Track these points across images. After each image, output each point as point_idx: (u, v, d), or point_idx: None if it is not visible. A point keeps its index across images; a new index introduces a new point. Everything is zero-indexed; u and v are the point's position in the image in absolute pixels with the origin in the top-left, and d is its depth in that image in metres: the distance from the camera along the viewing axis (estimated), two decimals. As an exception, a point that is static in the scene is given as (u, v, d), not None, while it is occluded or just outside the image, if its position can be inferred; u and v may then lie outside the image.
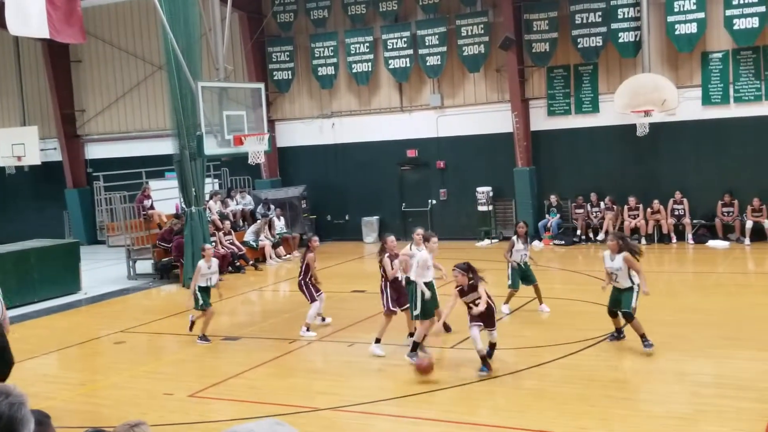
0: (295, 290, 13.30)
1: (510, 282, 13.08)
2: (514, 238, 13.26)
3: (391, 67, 22.90)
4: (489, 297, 9.88)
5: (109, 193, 21.03)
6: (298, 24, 24.10)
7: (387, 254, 11.23)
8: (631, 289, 10.52)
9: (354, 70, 23.39)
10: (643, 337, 10.46)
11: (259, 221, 21.48)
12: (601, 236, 20.73)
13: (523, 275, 13.10)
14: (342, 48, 23.49)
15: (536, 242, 21.17)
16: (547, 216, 21.63)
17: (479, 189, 22.12)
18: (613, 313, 10.96)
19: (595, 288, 15.19)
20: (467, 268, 9.88)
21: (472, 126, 22.42)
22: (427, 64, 22.39)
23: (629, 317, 10.49)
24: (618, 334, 11.12)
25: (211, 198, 21.19)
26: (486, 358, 9.89)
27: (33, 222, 27.03)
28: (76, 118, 27.64)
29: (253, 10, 24.03)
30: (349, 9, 23.21)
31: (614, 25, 20.44)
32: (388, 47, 22.81)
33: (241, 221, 22.18)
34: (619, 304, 10.65)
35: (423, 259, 10.75)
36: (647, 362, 10.28)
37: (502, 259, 13.52)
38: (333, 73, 23.72)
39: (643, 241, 20.22)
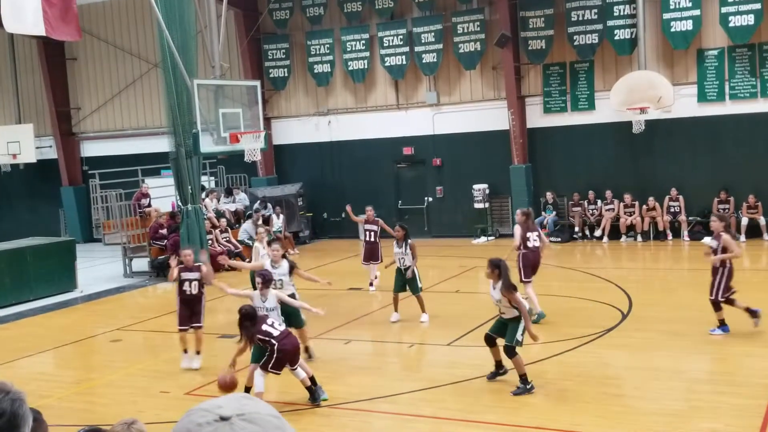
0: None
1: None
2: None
3: (387, 64, 22.89)
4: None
5: (105, 191, 21.02)
6: (294, 21, 24.08)
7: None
8: (518, 319, 9.09)
9: (350, 68, 23.38)
10: (522, 377, 9.07)
11: (252, 218, 21.40)
12: (598, 233, 20.78)
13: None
14: (338, 45, 23.48)
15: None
16: (543, 213, 21.64)
17: (475, 186, 22.13)
18: (491, 341, 9.44)
19: (590, 285, 15.26)
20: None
21: (469, 123, 22.42)
22: (423, 61, 22.39)
23: (511, 352, 9.10)
24: (497, 371, 9.59)
25: (207, 196, 21.16)
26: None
27: (28, 220, 26.98)
28: (71, 116, 27.59)
29: (249, 8, 23.99)
30: (345, 6, 23.19)
31: (610, 23, 20.45)
32: (384, 44, 22.81)
33: (232, 220, 22.04)
34: (503, 334, 9.19)
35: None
36: (642, 359, 10.30)
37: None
38: (329, 70, 23.71)
39: (639, 238, 20.26)
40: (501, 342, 9.24)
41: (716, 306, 11.00)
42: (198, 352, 11.08)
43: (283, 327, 8.99)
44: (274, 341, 8.72)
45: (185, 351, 11.10)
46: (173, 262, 11.65)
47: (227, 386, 8.82)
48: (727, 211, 19.80)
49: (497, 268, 9.09)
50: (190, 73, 16.82)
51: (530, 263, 12.18)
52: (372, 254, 15.62)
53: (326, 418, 8.79)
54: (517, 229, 12.36)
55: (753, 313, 10.94)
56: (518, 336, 9.02)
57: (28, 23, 13.71)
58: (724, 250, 10.93)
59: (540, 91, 21.68)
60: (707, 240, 11.21)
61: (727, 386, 8.97)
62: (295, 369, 8.97)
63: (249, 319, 8.73)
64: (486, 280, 9.43)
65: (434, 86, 22.81)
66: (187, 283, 11.00)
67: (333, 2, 23.34)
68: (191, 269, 11.05)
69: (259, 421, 1.57)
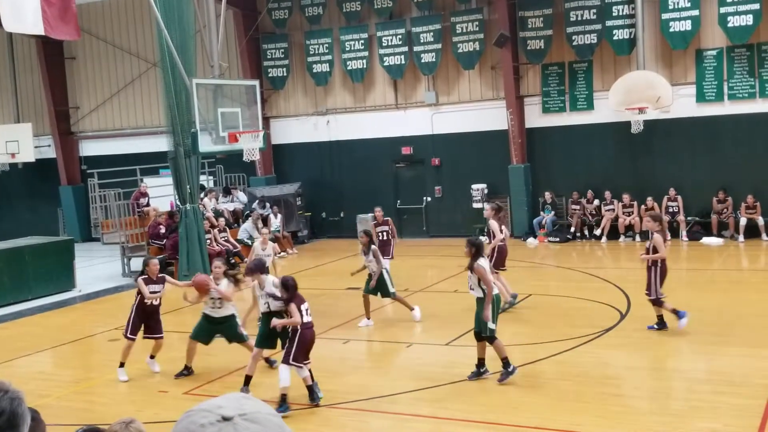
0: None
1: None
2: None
3: (385, 64, 22.89)
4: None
5: (104, 190, 21.02)
6: (293, 21, 24.07)
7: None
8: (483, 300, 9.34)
9: (349, 67, 23.37)
10: (504, 360, 9.38)
11: (251, 217, 21.41)
12: (597, 232, 20.77)
13: None
14: (337, 45, 23.48)
15: (531, 239, 21.23)
16: (541, 213, 21.66)
17: (474, 186, 22.14)
18: (479, 336, 9.57)
19: (589, 285, 15.26)
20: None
21: (467, 123, 22.43)
22: (422, 61, 22.39)
23: (490, 339, 9.39)
24: (479, 369, 9.65)
25: (206, 195, 21.15)
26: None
27: (27, 219, 26.96)
28: (70, 115, 27.57)
29: (248, 7, 23.99)
30: (344, 6, 23.18)
31: (609, 23, 20.45)
32: (383, 44, 22.80)
33: (231, 219, 22.03)
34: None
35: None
36: (641, 359, 10.31)
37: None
38: (328, 70, 23.70)
39: (638, 238, 20.26)
40: None
41: (656, 303, 11.22)
42: (153, 356, 10.88)
43: (310, 318, 9.03)
44: (300, 325, 8.84)
45: (123, 364, 10.58)
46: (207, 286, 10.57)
47: (201, 284, 9.91)
48: (726, 211, 19.84)
49: (474, 246, 9.48)
50: (188, 72, 16.81)
51: (505, 254, 13.15)
52: (384, 252, 15.71)
53: (325, 417, 8.79)
54: (495, 224, 13.10)
55: (678, 315, 11.17)
56: (491, 325, 9.29)
57: (27, 22, 13.70)
58: (655, 249, 11.06)
59: (539, 91, 21.69)
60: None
61: (726, 386, 8.98)
62: (302, 367, 8.98)
63: (295, 288, 8.97)
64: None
65: (433, 86, 22.81)
66: (156, 296, 10.72)
67: (332, 2, 23.34)
68: (156, 281, 10.75)
69: (261, 420, 1.57)
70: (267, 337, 9.60)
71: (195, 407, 1.61)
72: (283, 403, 8.79)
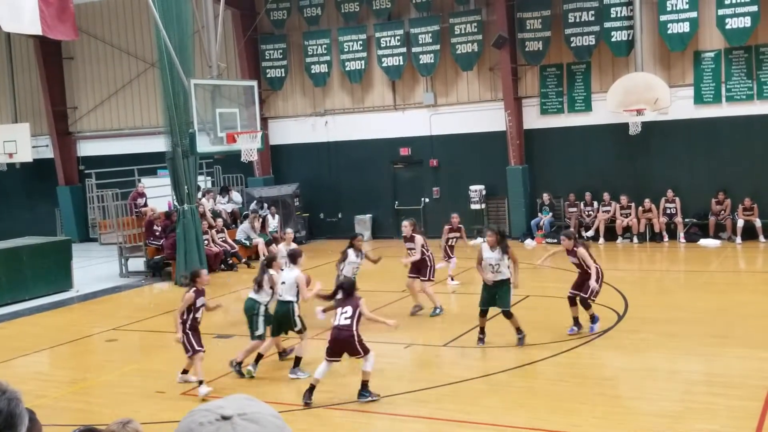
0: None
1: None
2: (350, 251, 12.64)
3: (384, 65, 22.90)
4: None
5: (101, 191, 21.01)
6: (291, 21, 24.07)
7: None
8: (505, 281, 10.93)
9: (347, 68, 23.38)
10: (518, 329, 10.99)
11: (249, 218, 21.39)
12: (591, 233, 20.69)
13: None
14: (335, 46, 23.48)
15: (528, 240, 21.23)
16: (539, 214, 21.67)
17: (472, 187, 22.15)
18: (484, 313, 11.22)
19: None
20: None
21: (465, 124, 22.44)
22: (421, 62, 22.39)
23: (509, 314, 10.97)
24: (482, 336, 11.25)
25: (203, 195, 21.14)
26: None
27: (24, 219, 26.91)
28: (68, 116, 27.54)
29: (246, 8, 23.99)
30: (343, 7, 23.19)
31: (607, 24, 20.48)
32: (382, 45, 22.81)
33: (229, 220, 22.02)
34: (494, 303, 11.03)
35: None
36: (639, 360, 10.31)
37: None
38: (326, 71, 23.70)
39: (635, 239, 20.29)
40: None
41: (585, 304, 11.40)
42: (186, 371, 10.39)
43: (344, 322, 9.14)
44: (334, 324, 9.25)
45: (186, 371, 10.24)
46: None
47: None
48: (723, 213, 19.85)
49: (500, 234, 10.98)
50: (187, 72, 16.81)
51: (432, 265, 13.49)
52: (447, 254, 15.92)
53: (323, 418, 8.79)
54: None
55: (592, 319, 11.48)
56: (510, 298, 10.84)
57: (25, 22, 13.68)
58: (584, 262, 11.26)
59: (537, 92, 21.70)
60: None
61: (723, 388, 8.99)
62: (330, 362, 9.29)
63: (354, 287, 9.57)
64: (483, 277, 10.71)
65: (431, 87, 22.82)
66: (201, 309, 9.96)
67: (330, 3, 23.34)
68: (203, 293, 10.01)
69: (261, 420, 1.58)
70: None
71: (198, 407, 1.64)
72: (364, 390, 9.13)
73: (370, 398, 9.08)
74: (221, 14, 18.23)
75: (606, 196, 20.81)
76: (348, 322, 9.08)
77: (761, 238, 19.31)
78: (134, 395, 9.96)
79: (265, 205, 22.39)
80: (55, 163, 27.17)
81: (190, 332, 9.79)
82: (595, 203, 21.05)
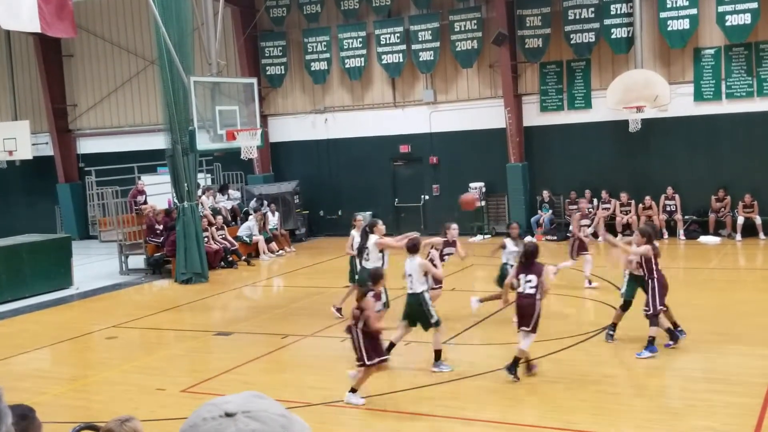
0: (289, 285, 13.31)
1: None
2: (507, 239, 12.76)
3: (383, 62, 22.88)
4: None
5: (101, 188, 20.99)
6: (291, 19, 24.05)
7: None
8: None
9: (347, 66, 23.36)
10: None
11: (252, 216, 21.41)
12: (590, 230, 20.63)
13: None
14: (335, 43, 23.46)
15: (528, 238, 21.19)
16: (539, 212, 21.66)
17: (472, 184, 22.13)
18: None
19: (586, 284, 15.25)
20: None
21: (465, 121, 22.43)
22: (420, 59, 22.38)
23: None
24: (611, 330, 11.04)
25: (203, 193, 21.14)
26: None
27: (24, 217, 26.90)
28: (67, 113, 27.52)
29: (246, 5, 23.96)
30: (342, 4, 23.17)
31: (607, 21, 20.46)
32: (381, 42, 22.79)
33: (229, 217, 22.00)
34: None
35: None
36: (638, 358, 10.30)
37: (493, 255, 13.52)
38: (326, 68, 23.69)
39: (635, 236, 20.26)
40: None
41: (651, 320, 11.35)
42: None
43: (528, 290, 9.36)
44: (518, 291, 9.61)
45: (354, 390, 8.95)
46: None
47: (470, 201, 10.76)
48: (723, 210, 19.84)
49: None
50: (186, 70, 16.79)
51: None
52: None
53: (322, 415, 8.79)
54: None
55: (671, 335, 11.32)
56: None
57: (24, 20, 13.67)
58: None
59: (537, 89, 21.70)
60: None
61: (722, 385, 8.99)
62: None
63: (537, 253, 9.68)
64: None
65: (431, 84, 22.80)
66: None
67: (330, 0, 23.32)
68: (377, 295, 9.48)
69: (264, 418, 1.58)
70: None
71: (207, 402, 1.65)
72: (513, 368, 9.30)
73: (513, 377, 9.30)
74: (221, 11, 18.21)
75: (605, 193, 20.81)
76: (533, 291, 9.30)
77: (761, 236, 19.31)
78: (134, 392, 9.96)
79: (265, 202, 22.38)
80: (54, 161, 27.16)
81: (364, 342, 8.80)
82: (595, 200, 21.03)
